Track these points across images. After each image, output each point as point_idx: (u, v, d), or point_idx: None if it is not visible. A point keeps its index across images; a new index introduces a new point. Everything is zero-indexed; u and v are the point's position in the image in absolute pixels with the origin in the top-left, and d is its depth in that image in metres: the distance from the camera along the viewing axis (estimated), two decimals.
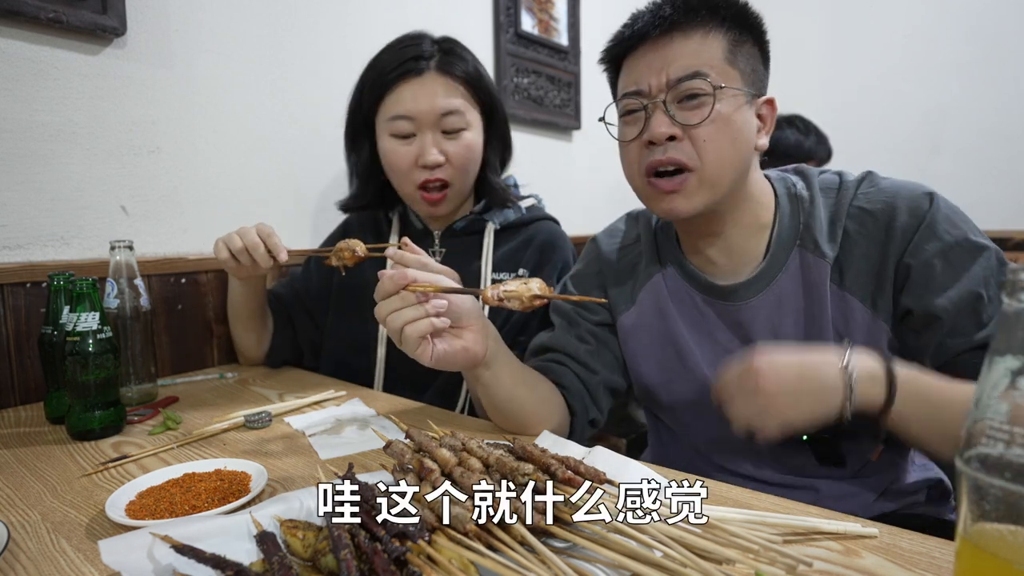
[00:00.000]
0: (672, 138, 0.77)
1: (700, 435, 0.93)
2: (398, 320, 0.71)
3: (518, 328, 1.17)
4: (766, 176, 0.88)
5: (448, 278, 0.76)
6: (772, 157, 1.80)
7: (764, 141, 0.82)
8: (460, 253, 1.22)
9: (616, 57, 0.84)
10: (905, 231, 0.76)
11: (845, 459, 0.83)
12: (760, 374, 0.66)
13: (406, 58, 1.10)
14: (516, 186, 1.35)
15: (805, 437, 0.82)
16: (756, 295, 0.84)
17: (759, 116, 0.81)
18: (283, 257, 1.04)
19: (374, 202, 1.27)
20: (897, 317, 0.78)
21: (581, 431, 0.94)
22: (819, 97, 3.05)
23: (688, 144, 0.77)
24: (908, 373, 0.67)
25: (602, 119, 0.86)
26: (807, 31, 3.09)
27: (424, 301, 0.71)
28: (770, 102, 0.82)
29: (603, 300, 0.73)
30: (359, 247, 1.01)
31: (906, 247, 0.76)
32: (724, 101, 0.76)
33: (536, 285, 0.69)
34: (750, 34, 0.80)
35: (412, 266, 0.93)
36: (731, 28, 0.78)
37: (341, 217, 1.38)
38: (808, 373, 0.67)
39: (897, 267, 0.76)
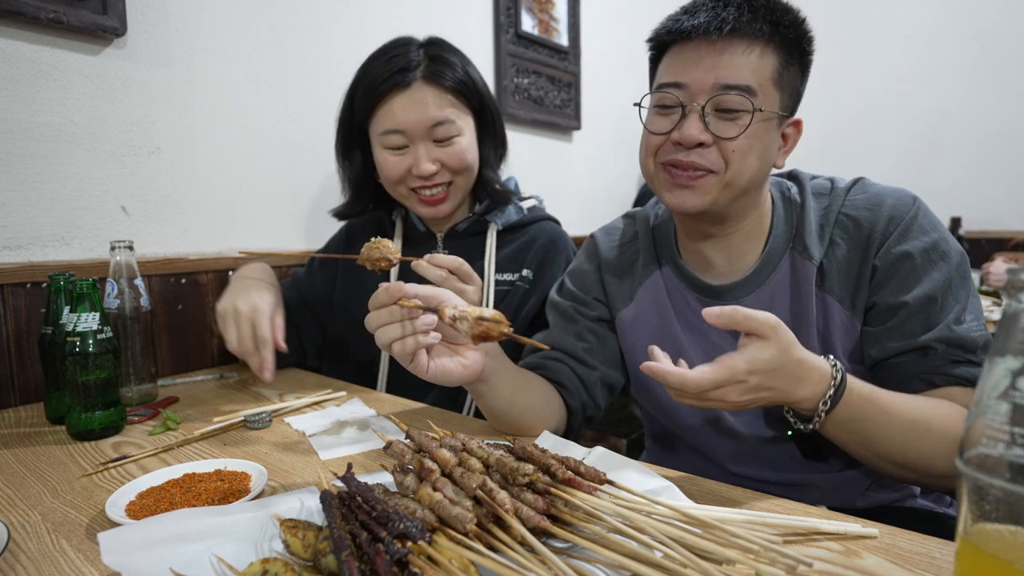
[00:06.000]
0: (700, 144, 0.78)
1: (696, 433, 0.93)
2: (384, 336, 0.71)
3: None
4: None
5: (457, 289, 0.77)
6: None
7: (783, 160, 0.84)
8: (463, 254, 1.21)
9: (664, 43, 0.82)
10: (883, 235, 0.79)
11: (827, 455, 0.85)
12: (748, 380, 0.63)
13: (393, 70, 1.09)
14: (517, 187, 1.35)
15: (789, 432, 0.84)
16: (748, 294, 0.86)
17: (783, 135, 0.83)
18: (267, 376, 0.95)
19: (369, 209, 1.28)
20: (866, 314, 0.82)
21: (579, 427, 0.94)
22: (820, 98, 3.05)
23: (715, 152, 0.78)
24: (856, 381, 0.68)
25: (637, 104, 0.85)
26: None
27: (415, 317, 0.71)
28: (796, 124, 0.84)
29: (546, 347, 0.70)
30: (392, 255, 0.94)
31: (879, 250, 0.79)
32: (761, 123, 0.78)
33: (490, 313, 0.67)
34: (799, 56, 0.80)
35: (433, 279, 0.93)
36: (785, 48, 0.77)
37: None
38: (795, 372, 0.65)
39: (873, 269, 0.80)
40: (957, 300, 0.77)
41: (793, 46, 0.78)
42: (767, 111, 0.77)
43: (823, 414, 0.66)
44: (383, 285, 0.71)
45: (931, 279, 0.77)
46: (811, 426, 0.68)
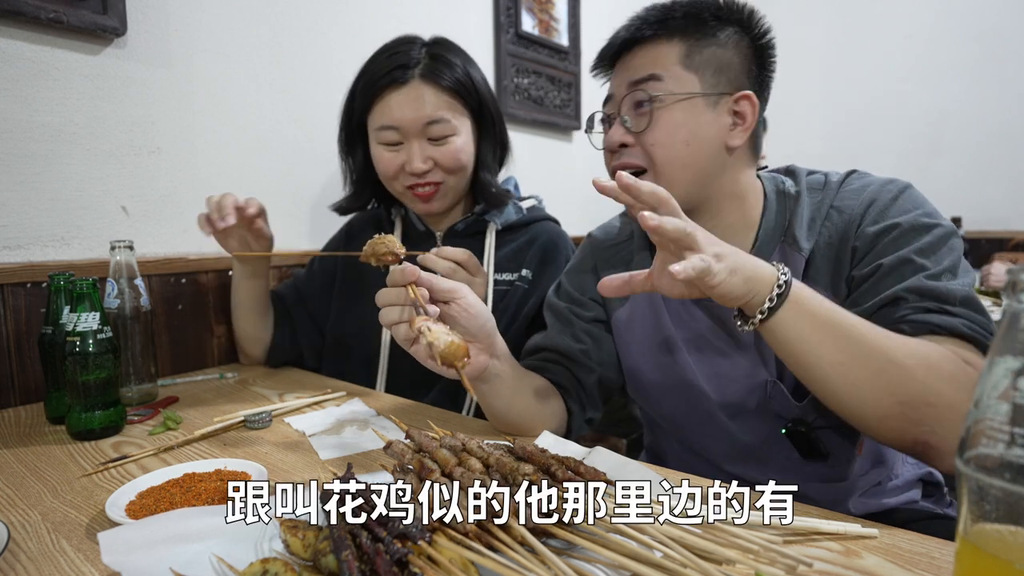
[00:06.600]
0: (625, 145, 0.83)
1: (691, 432, 0.93)
2: (386, 316, 0.73)
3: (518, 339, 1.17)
4: (757, 175, 0.89)
5: (465, 284, 0.78)
6: None
7: (738, 139, 0.81)
8: None
9: (604, 71, 0.91)
10: (861, 217, 0.79)
11: (828, 451, 0.82)
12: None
13: (392, 67, 1.10)
14: (517, 187, 1.35)
15: (784, 431, 0.83)
16: None
17: (735, 113, 0.81)
18: (230, 219, 1.03)
19: (370, 205, 1.28)
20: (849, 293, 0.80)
21: (579, 429, 0.94)
22: (820, 98, 3.06)
23: (639, 149, 0.82)
24: (802, 285, 0.66)
25: (587, 131, 0.93)
26: (808, 31, 3.09)
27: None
28: (747, 98, 0.81)
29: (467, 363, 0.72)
30: (397, 249, 0.92)
31: (857, 230, 0.79)
32: (673, 107, 0.79)
33: (445, 342, 0.68)
34: (719, 33, 0.80)
35: (441, 271, 0.94)
36: (687, 34, 0.80)
37: (340, 217, 1.38)
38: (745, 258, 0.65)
39: (853, 251, 0.79)
40: (938, 264, 0.72)
41: (694, 26, 0.80)
42: (676, 93, 0.79)
43: (784, 284, 0.63)
44: (401, 265, 0.73)
45: (910, 247, 0.73)
46: (770, 308, 0.63)
